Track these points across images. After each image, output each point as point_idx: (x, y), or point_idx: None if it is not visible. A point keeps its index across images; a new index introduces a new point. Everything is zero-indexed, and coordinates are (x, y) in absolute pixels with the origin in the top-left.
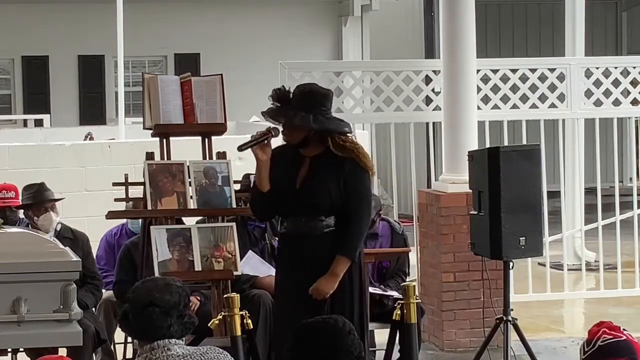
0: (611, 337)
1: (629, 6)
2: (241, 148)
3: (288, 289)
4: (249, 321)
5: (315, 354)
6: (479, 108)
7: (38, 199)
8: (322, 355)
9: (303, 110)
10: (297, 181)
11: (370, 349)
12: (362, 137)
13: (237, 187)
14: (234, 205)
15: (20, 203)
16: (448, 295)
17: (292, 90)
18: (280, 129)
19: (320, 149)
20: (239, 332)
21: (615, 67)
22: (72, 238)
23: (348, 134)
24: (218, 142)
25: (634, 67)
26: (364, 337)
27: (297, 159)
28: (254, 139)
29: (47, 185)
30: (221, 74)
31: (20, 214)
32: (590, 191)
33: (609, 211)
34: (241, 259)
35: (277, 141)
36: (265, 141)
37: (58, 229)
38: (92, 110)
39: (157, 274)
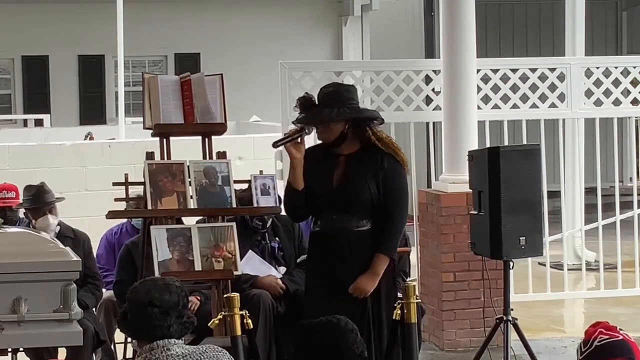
0: (608, 337)
1: (629, 6)
2: (275, 145)
3: (319, 289)
4: (249, 321)
5: (319, 353)
6: (479, 108)
7: (36, 203)
8: (326, 353)
9: (331, 106)
10: (333, 180)
11: None
12: None
13: (244, 186)
14: (234, 205)
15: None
16: (448, 295)
17: (314, 96)
18: (314, 129)
19: (355, 146)
20: (239, 332)
21: (616, 67)
22: (72, 237)
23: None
24: (218, 142)
25: (634, 67)
26: (394, 336)
27: (330, 158)
28: (288, 136)
29: (47, 185)
30: (221, 74)
31: (21, 213)
32: (590, 191)
33: (609, 211)
34: (241, 259)
35: (309, 142)
36: (299, 139)
37: (57, 230)
38: (92, 110)
39: (157, 274)
